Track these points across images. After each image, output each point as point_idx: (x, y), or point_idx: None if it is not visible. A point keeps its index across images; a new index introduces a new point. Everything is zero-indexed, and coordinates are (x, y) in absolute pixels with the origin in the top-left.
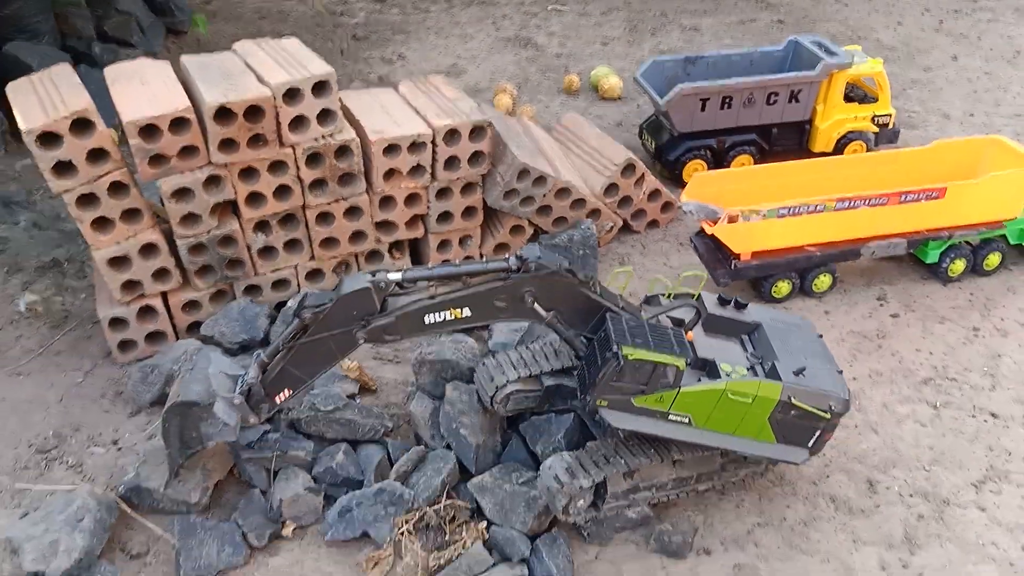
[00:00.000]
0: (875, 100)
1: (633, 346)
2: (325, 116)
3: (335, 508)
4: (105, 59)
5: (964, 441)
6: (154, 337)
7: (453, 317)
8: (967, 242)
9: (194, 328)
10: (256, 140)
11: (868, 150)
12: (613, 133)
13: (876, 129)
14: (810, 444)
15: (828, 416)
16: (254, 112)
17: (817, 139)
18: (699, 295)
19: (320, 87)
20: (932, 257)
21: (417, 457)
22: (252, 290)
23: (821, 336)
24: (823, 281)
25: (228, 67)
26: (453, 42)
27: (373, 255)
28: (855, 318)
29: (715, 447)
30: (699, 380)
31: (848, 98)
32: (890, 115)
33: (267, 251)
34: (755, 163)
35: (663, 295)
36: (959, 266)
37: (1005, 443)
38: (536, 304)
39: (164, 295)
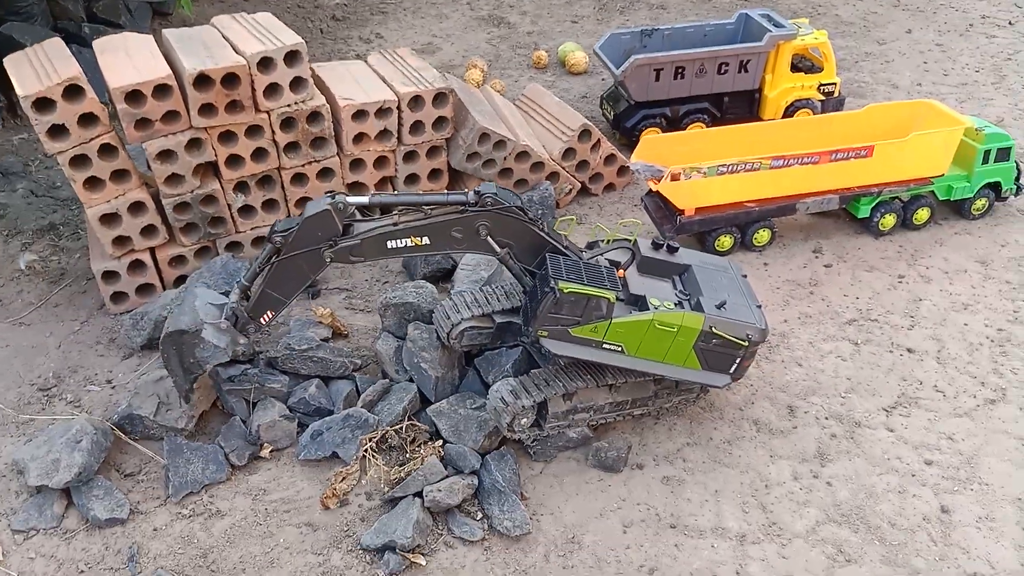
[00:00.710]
0: (821, 70)
1: (568, 281)
2: (297, 84)
3: (307, 432)
4: (94, 39)
5: (880, 373)
6: (144, 289)
7: (413, 244)
8: (898, 198)
9: (180, 281)
10: (233, 106)
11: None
12: (577, 104)
13: (822, 97)
14: (732, 370)
15: (746, 344)
16: (231, 79)
17: (766, 107)
18: (635, 240)
19: (292, 56)
20: (863, 212)
21: (382, 388)
22: (234, 246)
23: (746, 276)
24: (762, 235)
25: (206, 39)
26: (429, 21)
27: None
28: (791, 268)
29: (645, 372)
30: (631, 312)
31: (796, 68)
32: (835, 84)
33: (247, 210)
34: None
35: (603, 241)
36: (889, 220)
37: (918, 374)
38: (490, 238)
39: (152, 250)
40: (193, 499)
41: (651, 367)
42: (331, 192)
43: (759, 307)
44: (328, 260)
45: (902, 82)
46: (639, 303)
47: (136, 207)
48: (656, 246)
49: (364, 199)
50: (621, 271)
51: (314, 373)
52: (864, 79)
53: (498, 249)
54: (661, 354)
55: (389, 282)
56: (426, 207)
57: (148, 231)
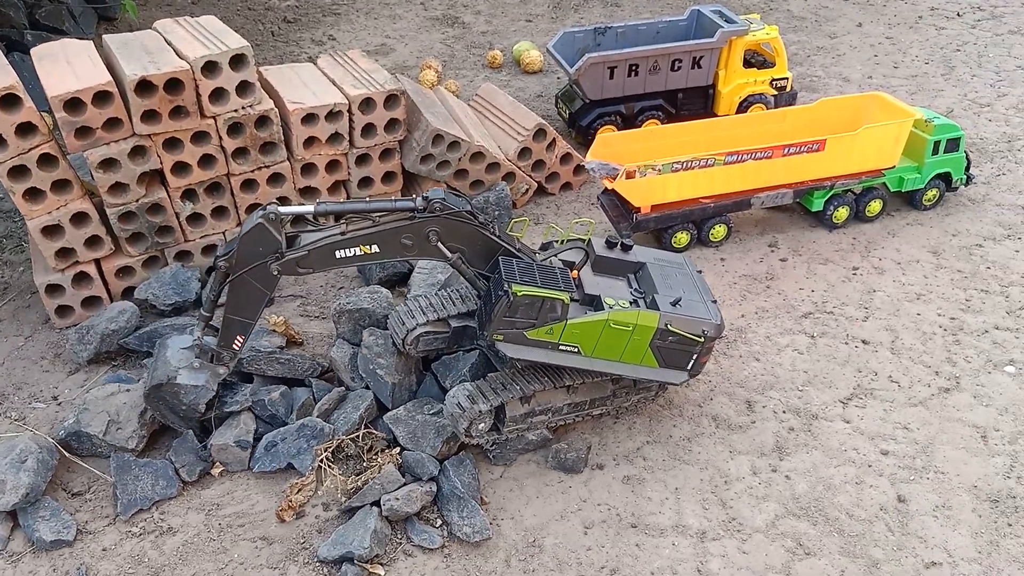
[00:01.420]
0: (773, 65)
1: (521, 284)
2: (244, 88)
3: (262, 443)
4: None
5: (836, 365)
6: (90, 302)
7: (362, 253)
8: (850, 190)
9: (129, 293)
10: (178, 112)
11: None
12: (533, 104)
13: (775, 92)
14: (689, 366)
15: (702, 340)
16: (174, 85)
17: (720, 102)
18: (589, 239)
19: (237, 60)
20: (817, 205)
21: (338, 397)
22: (183, 255)
23: (700, 272)
24: (719, 231)
25: (148, 44)
26: (382, 22)
27: (298, 221)
28: (747, 263)
29: (603, 372)
30: (586, 313)
31: (748, 64)
32: (787, 79)
33: (195, 218)
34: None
35: (557, 241)
36: (842, 213)
37: (873, 365)
38: (440, 244)
39: (98, 262)
40: (143, 516)
41: (608, 367)
42: (263, 205)
43: (714, 303)
44: (276, 274)
45: (853, 75)
46: (594, 303)
47: (79, 218)
48: (610, 245)
49: (300, 208)
50: (575, 271)
51: (281, 375)
52: (816, 73)
53: (449, 255)
54: (618, 353)
55: (344, 288)
56: (374, 214)
57: (92, 242)
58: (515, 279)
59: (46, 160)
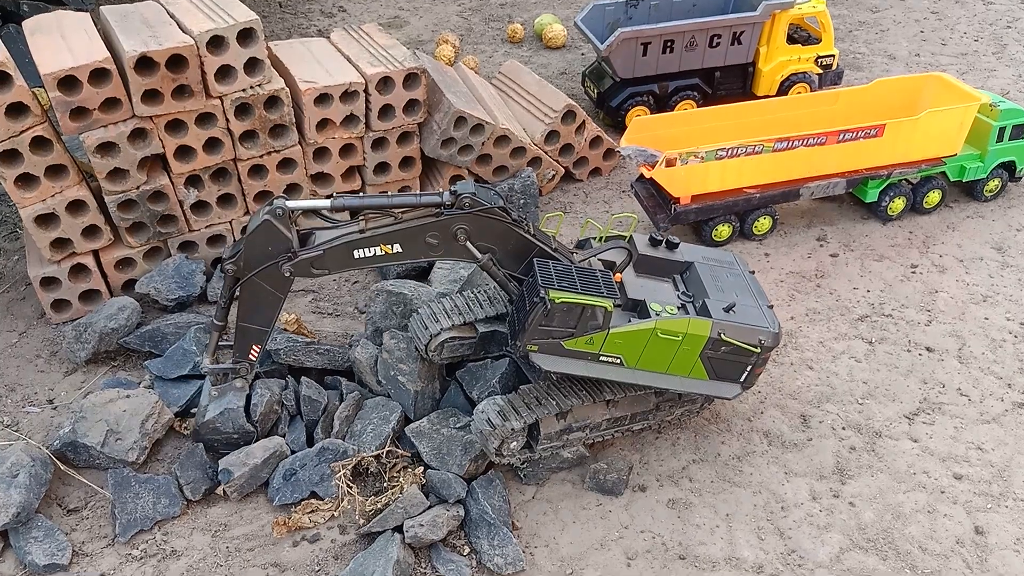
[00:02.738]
0: (819, 41)
1: (560, 289)
2: (253, 65)
3: (279, 472)
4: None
5: (898, 375)
6: (88, 296)
7: (383, 253)
8: (907, 180)
9: (129, 286)
10: (181, 91)
11: (812, 91)
12: (557, 82)
13: (820, 70)
14: (742, 379)
15: (758, 350)
16: (177, 62)
17: (760, 82)
18: (630, 237)
19: (246, 35)
20: (871, 196)
21: (354, 402)
22: (187, 246)
23: (753, 272)
24: (763, 223)
25: (149, 16)
26: None
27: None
28: (795, 259)
29: (648, 386)
30: (629, 321)
31: (792, 39)
32: (834, 56)
33: (200, 206)
34: (698, 107)
35: (595, 238)
36: (899, 204)
37: (939, 376)
38: (469, 243)
39: (96, 253)
40: (144, 538)
41: (653, 379)
42: (269, 199)
43: (770, 308)
44: (288, 275)
45: (899, 52)
46: (638, 309)
47: (75, 206)
48: (654, 242)
49: (313, 203)
50: (618, 275)
51: (320, 366)
52: (860, 50)
53: (479, 255)
54: (664, 365)
55: (359, 282)
56: (396, 210)
57: (90, 232)
58: (552, 284)
59: (39, 143)
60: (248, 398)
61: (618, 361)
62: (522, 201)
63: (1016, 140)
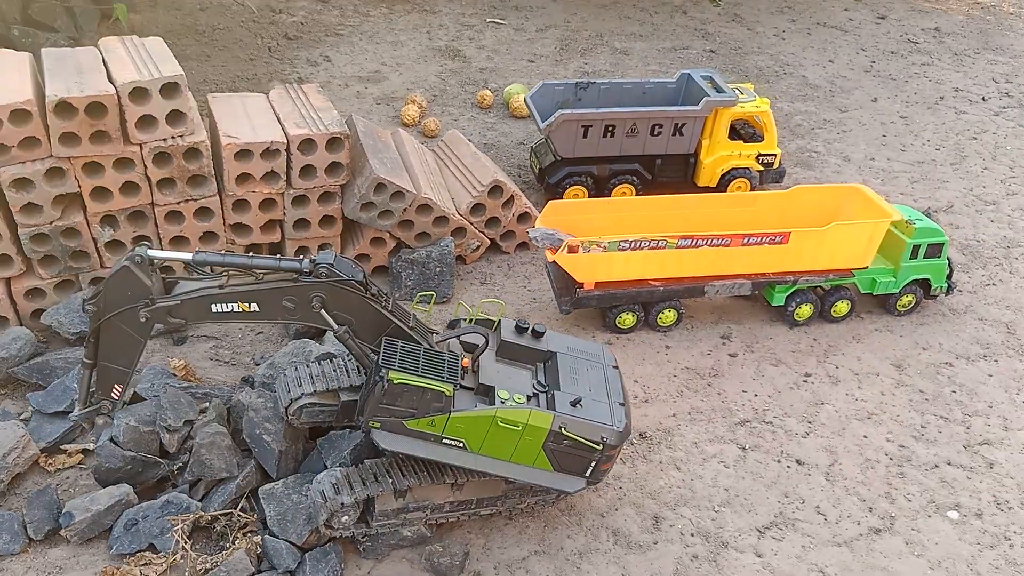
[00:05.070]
0: (763, 139)
1: (400, 370)
2: (175, 117)
3: (120, 520)
4: (25, 43)
5: (761, 485)
6: None
7: (240, 310)
8: (820, 287)
9: (36, 315)
10: (100, 136)
11: (752, 188)
12: (512, 151)
13: (760, 167)
14: (587, 474)
15: (600, 447)
16: (97, 109)
17: (701, 173)
18: (498, 322)
19: (170, 88)
20: (778, 300)
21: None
22: (98, 281)
23: (617, 367)
24: (668, 316)
25: (83, 63)
26: (383, 48)
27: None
28: (694, 355)
29: (487, 473)
30: (476, 406)
31: (737, 134)
32: (775, 155)
33: (115, 245)
34: (637, 193)
35: (465, 320)
36: (805, 311)
37: (802, 491)
38: (324, 311)
39: (7, 281)
40: None
41: (495, 467)
42: (132, 247)
43: (622, 405)
44: (144, 320)
45: (855, 155)
46: (489, 394)
47: None
48: (520, 330)
49: (174, 254)
50: (466, 359)
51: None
52: (817, 148)
53: (335, 325)
54: (507, 453)
55: (264, 333)
56: (258, 271)
57: (2, 261)
58: (393, 364)
59: None
60: None
61: (461, 445)
62: (438, 269)
63: (932, 259)
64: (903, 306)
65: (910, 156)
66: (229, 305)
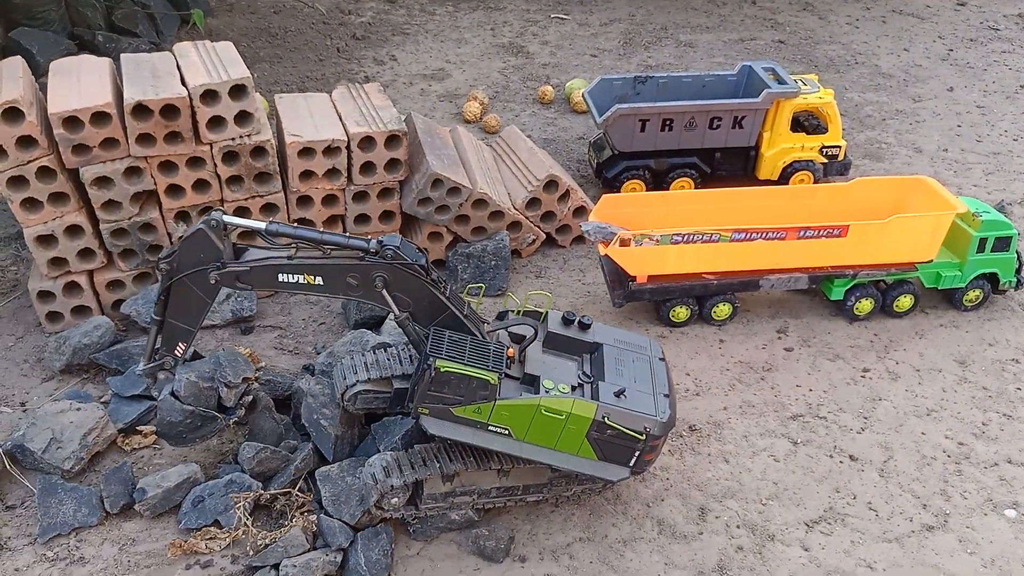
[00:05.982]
0: (827, 130)
1: (446, 359)
2: (243, 118)
3: (189, 497)
4: (108, 48)
5: (812, 480)
6: (80, 311)
7: (305, 282)
8: (882, 281)
9: (117, 305)
10: (174, 137)
11: (815, 181)
12: (572, 146)
13: (824, 160)
14: (631, 463)
15: (643, 437)
16: (171, 111)
17: (762, 166)
18: (545, 313)
19: (238, 90)
20: (836, 294)
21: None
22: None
23: (663, 359)
24: (722, 309)
25: (159, 67)
26: (448, 46)
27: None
28: (748, 348)
29: (531, 460)
30: (521, 394)
31: (800, 126)
32: (840, 147)
33: None
34: (696, 187)
35: (513, 311)
36: (866, 305)
37: (854, 486)
38: (386, 291)
39: (90, 273)
40: (60, 542)
41: (540, 454)
42: (208, 209)
43: (666, 396)
44: (214, 283)
45: (927, 146)
46: (535, 384)
47: (73, 230)
48: (567, 321)
49: (249, 222)
50: (511, 350)
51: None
52: (887, 139)
53: (395, 308)
54: (552, 441)
55: (325, 323)
56: (326, 246)
57: (85, 254)
58: (441, 352)
59: (44, 172)
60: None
61: (506, 432)
62: (493, 263)
63: (1000, 252)
64: (970, 301)
65: (985, 147)
66: (295, 276)
